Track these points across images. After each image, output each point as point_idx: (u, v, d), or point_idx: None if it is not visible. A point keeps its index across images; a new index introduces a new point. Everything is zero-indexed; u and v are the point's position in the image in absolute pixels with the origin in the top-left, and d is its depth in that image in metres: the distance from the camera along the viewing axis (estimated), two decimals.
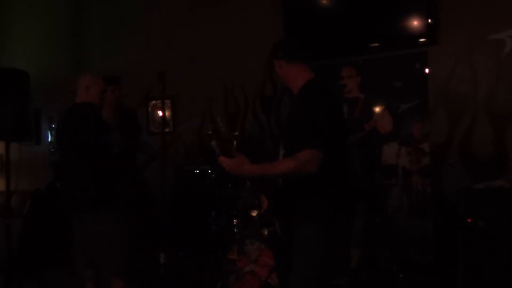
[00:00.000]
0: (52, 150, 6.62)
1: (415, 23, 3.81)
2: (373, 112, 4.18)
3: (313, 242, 2.16)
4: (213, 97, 5.11)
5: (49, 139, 6.66)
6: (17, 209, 4.94)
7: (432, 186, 3.92)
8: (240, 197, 3.83)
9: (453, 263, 3.24)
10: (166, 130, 5.16)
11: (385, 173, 4.04)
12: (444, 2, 3.86)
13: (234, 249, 3.57)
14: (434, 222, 3.85)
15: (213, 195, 4.17)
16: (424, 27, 3.79)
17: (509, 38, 3.65)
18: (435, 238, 3.86)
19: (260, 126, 4.89)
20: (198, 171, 4.46)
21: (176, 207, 4.66)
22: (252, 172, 2.14)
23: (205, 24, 5.21)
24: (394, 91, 4.07)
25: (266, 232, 3.63)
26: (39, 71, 5.77)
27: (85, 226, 3.09)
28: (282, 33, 4.45)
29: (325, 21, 4.24)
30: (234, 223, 3.81)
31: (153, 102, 5.47)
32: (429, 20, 3.77)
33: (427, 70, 3.96)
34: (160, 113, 5.27)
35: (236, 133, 2.13)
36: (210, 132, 2.07)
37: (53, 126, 6.62)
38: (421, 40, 3.84)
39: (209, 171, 4.31)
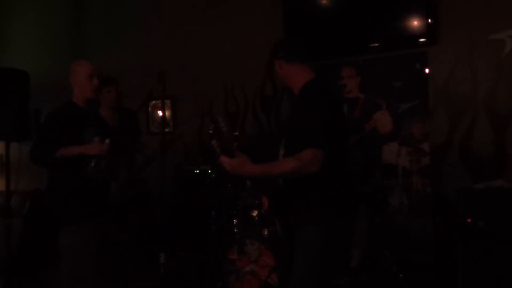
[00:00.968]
0: None
1: (415, 23, 3.81)
2: (373, 112, 4.18)
3: (313, 242, 2.16)
4: (213, 97, 5.11)
5: None
6: (17, 209, 4.94)
7: (432, 186, 3.92)
8: (240, 197, 3.83)
9: (453, 263, 3.24)
10: (166, 130, 5.16)
11: (385, 173, 4.05)
12: (444, 2, 3.86)
13: (234, 249, 3.57)
14: (434, 222, 3.85)
15: (213, 195, 4.16)
16: (424, 27, 3.79)
17: (509, 38, 3.65)
18: (435, 238, 3.86)
19: (260, 126, 4.89)
20: (198, 171, 4.46)
21: (176, 207, 4.66)
22: (253, 172, 2.12)
23: (205, 24, 5.21)
24: (394, 91, 4.07)
25: (266, 232, 3.63)
26: (39, 71, 5.77)
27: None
28: (282, 33, 4.46)
29: (325, 21, 4.24)
30: (234, 223, 3.81)
31: (153, 102, 5.47)
32: (429, 20, 3.78)
33: (427, 70, 3.96)
34: (160, 113, 5.27)
35: (237, 133, 2.11)
36: (211, 131, 2.05)
37: None
38: (421, 40, 3.84)
39: (209, 171, 4.31)
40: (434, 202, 3.89)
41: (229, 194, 4.04)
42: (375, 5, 3.98)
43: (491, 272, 3.04)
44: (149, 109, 5.52)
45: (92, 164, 2.86)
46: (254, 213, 3.72)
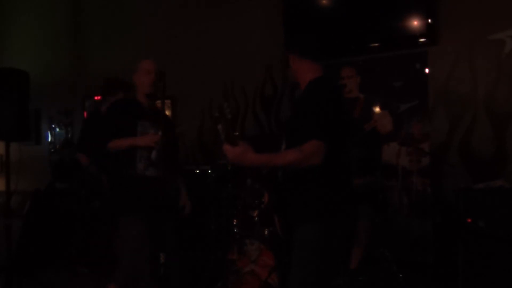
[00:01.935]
0: (52, 150, 6.62)
1: (415, 23, 3.81)
2: (373, 112, 4.18)
3: (311, 242, 2.14)
4: (213, 97, 5.11)
5: (49, 139, 6.66)
6: (17, 209, 4.94)
7: (432, 186, 3.92)
8: (240, 197, 3.83)
9: (453, 263, 3.24)
10: None
11: (385, 173, 4.05)
12: (444, 2, 3.86)
13: (234, 249, 3.57)
14: (434, 222, 3.85)
15: (213, 195, 4.16)
16: (424, 27, 3.79)
17: (509, 38, 3.65)
18: (435, 238, 3.86)
19: (260, 126, 4.89)
20: (198, 171, 4.46)
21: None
22: (255, 161, 2.09)
23: (205, 24, 5.21)
24: (394, 91, 4.07)
25: (266, 232, 3.63)
26: (39, 71, 5.77)
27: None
28: (282, 33, 4.46)
29: (325, 21, 4.24)
30: (234, 223, 3.81)
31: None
32: (429, 20, 3.78)
33: (427, 70, 3.96)
34: None
35: (237, 133, 2.09)
36: (217, 115, 2.03)
37: (53, 126, 6.62)
38: (421, 40, 3.84)
39: (209, 171, 4.31)
40: (434, 202, 3.89)
41: (229, 194, 4.04)
42: (375, 5, 3.98)
43: (491, 272, 3.04)
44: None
45: (144, 156, 2.88)
46: (254, 213, 3.72)
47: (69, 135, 6.43)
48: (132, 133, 2.91)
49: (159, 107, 3.09)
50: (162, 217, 3.02)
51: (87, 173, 3.88)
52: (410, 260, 3.89)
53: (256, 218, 3.69)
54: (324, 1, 4.32)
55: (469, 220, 3.15)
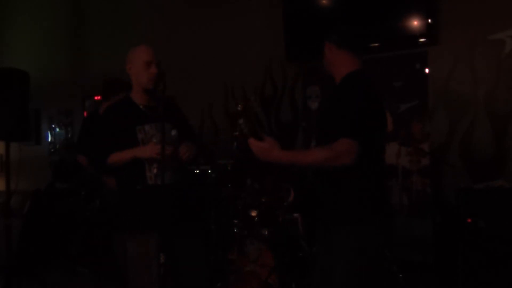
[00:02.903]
0: (52, 150, 6.63)
1: (415, 23, 3.81)
2: None
3: (351, 245, 1.99)
4: (213, 97, 5.11)
5: (49, 139, 6.67)
6: (17, 209, 4.94)
7: (432, 186, 3.92)
8: (240, 197, 3.83)
9: (453, 263, 3.24)
10: None
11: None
12: (444, 2, 3.86)
13: (234, 249, 3.57)
14: (434, 222, 3.85)
15: (213, 195, 4.16)
16: (424, 27, 3.78)
17: (509, 38, 3.65)
18: (435, 238, 3.85)
19: (260, 126, 4.89)
20: (198, 171, 4.46)
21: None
22: (283, 158, 1.96)
23: (205, 24, 5.21)
24: (394, 91, 4.07)
25: (266, 232, 3.63)
26: (39, 71, 5.77)
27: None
28: (282, 33, 4.46)
29: (325, 22, 4.23)
30: (234, 223, 3.81)
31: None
32: (429, 20, 3.77)
33: (427, 70, 3.96)
34: None
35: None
36: (239, 109, 1.90)
37: (53, 126, 6.62)
38: (421, 40, 3.84)
39: (209, 171, 4.31)
40: (434, 202, 3.89)
41: (229, 194, 4.04)
42: (375, 5, 3.97)
43: (491, 272, 3.04)
44: None
45: (151, 169, 2.55)
46: (254, 213, 3.72)
47: (69, 135, 6.44)
48: (132, 143, 2.56)
49: (163, 100, 2.58)
50: (182, 230, 2.66)
51: (87, 174, 3.87)
52: (410, 260, 3.89)
53: (256, 218, 3.69)
54: (324, 1, 4.32)
55: (469, 220, 3.15)
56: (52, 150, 6.61)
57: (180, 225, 2.63)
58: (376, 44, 4.05)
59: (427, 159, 3.94)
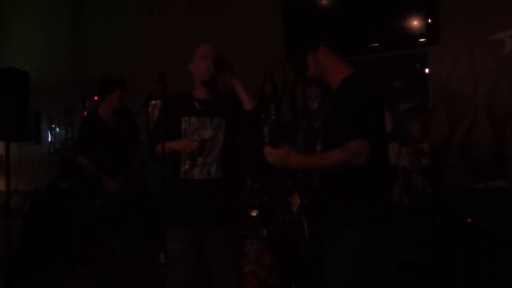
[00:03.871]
0: (52, 150, 6.63)
1: (415, 23, 3.81)
2: None
3: (358, 248, 2.00)
4: None
5: (49, 139, 6.67)
6: (17, 209, 4.95)
7: (432, 186, 3.92)
8: (240, 197, 3.83)
9: (453, 263, 3.24)
10: None
11: None
12: (444, 2, 3.86)
13: None
14: (434, 222, 3.85)
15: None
16: (424, 27, 3.78)
17: (509, 38, 3.65)
18: (435, 238, 3.85)
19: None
20: None
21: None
22: (300, 164, 1.98)
23: (205, 24, 5.21)
24: (394, 91, 4.07)
25: (266, 232, 3.63)
26: (39, 71, 5.77)
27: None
28: (282, 33, 4.46)
29: (325, 22, 4.23)
30: None
31: (153, 102, 5.47)
32: (429, 20, 3.77)
33: (427, 70, 3.96)
34: None
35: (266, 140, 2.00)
36: (263, 117, 1.93)
37: (53, 126, 6.62)
38: (421, 40, 3.84)
39: None
40: (434, 202, 3.89)
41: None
42: (375, 5, 3.97)
43: (491, 272, 3.04)
44: (149, 109, 5.52)
45: (184, 163, 2.58)
46: (254, 213, 3.72)
47: (69, 135, 6.44)
48: (176, 132, 2.63)
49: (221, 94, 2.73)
50: (214, 230, 2.59)
51: (87, 173, 3.88)
52: (410, 260, 3.89)
53: (256, 218, 3.69)
54: (324, 1, 4.32)
55: (469, 220, 3.15)
56: (52, 150, 6.61)
57: (208, 226, 2.58)
58: (376, 44, 4.05)
59: (427, 159, 3.94)
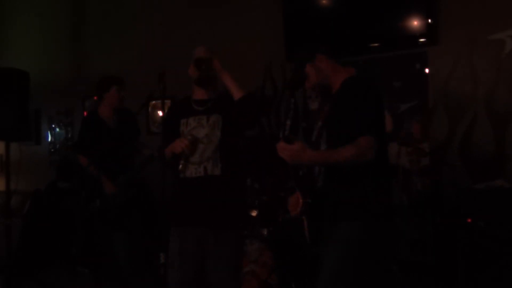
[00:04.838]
0: (52, 150, 6.62)
1: (415, 23, 3.81)
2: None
3: (351, 240, 2.04)
4: None
5: (49, 139, 6.66)
6: (17, 209, 4.95)
7: (432, 186, 3.92)
8: (242, 196, 3.82)
9: (453, 263, 3.24)
10: None
11: None
12: (444, 2, 3.86)
13: None
14: (434, 222, 3.85)
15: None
16: (424, 27, 3.79)
17: (509, 38, 3.65)
18: (435, 238, 3.85)
19: (260, 126, 4.89)
20: None
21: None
22: (313, 159, 2.01)
23: (205, 24, 5.21)
24: (394, 91, 4.07)
25: (266, 232, 3.63)
26: (39, 71, 5.77)
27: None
28: (282, 33, 4.46)
29: (325, 22, 4.24)
30: None
31: (153, 102, 5.46)
32: (429, 20, 3.78)
33: (427, 70, 3.96)
34: (160, 113, 5.27)
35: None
36: (285, 108, 2.00)
37: (53, 126, 6.62)
38: (421, 40, 3.84)
39: None
40: (434, 202, 3.89)
41: None
42: (375, 5, 3.98)
43: (491, 272, 3.04)
44: (149, 109, 5.52)
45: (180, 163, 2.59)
46: (254, 213, 3.71)
47: (69, 135, 6.44)
48: (176, 135, 2.66)
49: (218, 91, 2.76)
50: (214, 230, 2.55)
51: (87, 173, 3.88)
52: (410, 260, 3.89)
53: (256, 218, 3.69)
54: (324, 1, 4.32)
55: (469, 220, 3.15)
56: (52, 150, 6.61)
57: (207, 223, 2.56)
58: (376, 44, 4.05)
59: (427, 159, 3.94)
